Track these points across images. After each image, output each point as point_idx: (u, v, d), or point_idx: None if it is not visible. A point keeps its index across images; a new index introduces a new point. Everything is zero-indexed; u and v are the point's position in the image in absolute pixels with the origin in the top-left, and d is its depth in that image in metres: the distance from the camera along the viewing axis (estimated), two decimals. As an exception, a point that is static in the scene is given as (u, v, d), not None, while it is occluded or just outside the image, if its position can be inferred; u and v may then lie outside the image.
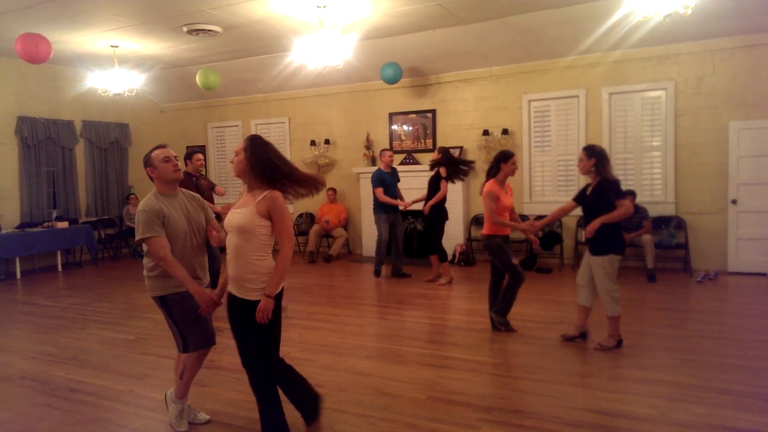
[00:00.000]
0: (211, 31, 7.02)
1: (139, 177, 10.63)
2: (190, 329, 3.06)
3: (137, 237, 2.90)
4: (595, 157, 4.22)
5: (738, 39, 6.73)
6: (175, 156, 3.05)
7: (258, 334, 2.67)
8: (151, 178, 3.01)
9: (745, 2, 6.06)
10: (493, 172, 4.85)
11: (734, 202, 6.83)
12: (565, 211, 4.57)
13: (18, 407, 3.52)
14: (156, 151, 2.99)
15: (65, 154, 9.26)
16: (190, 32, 7.05)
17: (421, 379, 3.78)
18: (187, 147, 11.06)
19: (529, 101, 8.04)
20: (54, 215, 8.88)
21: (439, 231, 6.89)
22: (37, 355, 4.57)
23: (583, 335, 4.48)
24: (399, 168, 8.17)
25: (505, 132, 8.05)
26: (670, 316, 5.16)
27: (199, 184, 5.70)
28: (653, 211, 7.13)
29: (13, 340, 5.07)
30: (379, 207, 7.23)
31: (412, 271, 7.59)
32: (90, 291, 7.03)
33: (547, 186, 8.06)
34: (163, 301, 2.99)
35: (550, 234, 7.76)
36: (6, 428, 3.23)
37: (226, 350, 4.52)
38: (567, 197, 7.89)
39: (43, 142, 8.90)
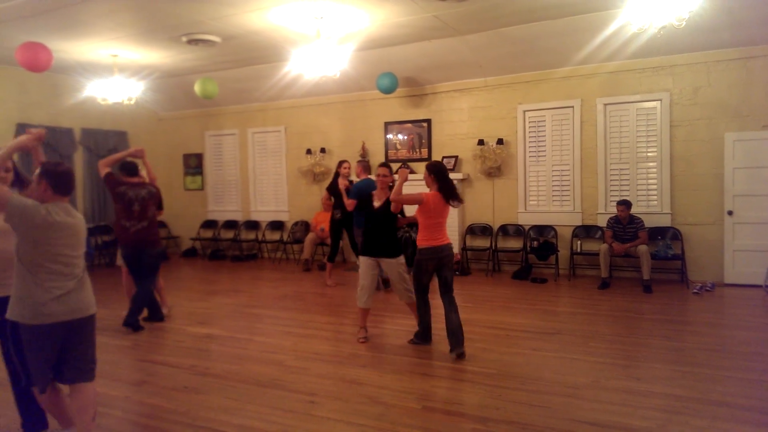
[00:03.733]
0: (210, 41, 7.07)
1: (136, 185, 10.64)
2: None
3: None
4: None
5: (732, 51, 6.80)
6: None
7: None
8: None
9: (738, 15, 6.13)
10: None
11: (730, 213, 6.86)
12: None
13: (11, 413, 3.49)
14: None
15: (64, 162, 9.25)
16: (189, 42, 7.10)
17: (415, 388, 3.77)
18: (184, 155, 11.11)
19: (525, 111, 8.08)
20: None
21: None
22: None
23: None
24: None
25: (500, 142, 8.09)
26: (666, 328, 5.17)
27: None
28: (649, 222, 7.15)
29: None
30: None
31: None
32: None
33: (542, 196, 8.09)
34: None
35: (545, 244, 7.78)
36: (-2, 436, 3.21)
37: (221, 358, 4.52)
38: (562, 207, 7.93)
39: (42, 149, 8.88)
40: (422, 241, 4.53)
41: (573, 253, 7.64)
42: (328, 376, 4.06)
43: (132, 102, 8.21)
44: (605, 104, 7.56)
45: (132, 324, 5.38)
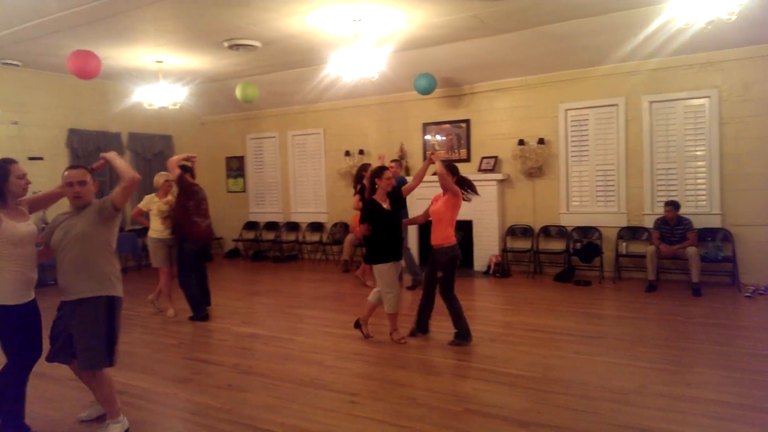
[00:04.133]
0: (251, 45, 7.22)
1: (180, 187, 10.96)
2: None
3: None
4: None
5: (787, 44, 6.49)
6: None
7: None
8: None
9: (794, 7, 5.84)
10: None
11: (785, 213, 6.55)
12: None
13: (68, 408, 3.66)
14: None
15: (112, 165, 9.62)
16: (230, 47, 7.27)
17: (456, 390, 3.75)
18: (226, 158, 11.37)
19: (566, 110, 7.93)
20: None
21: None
22: (85, 358, 4.75)
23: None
24: (433, 177, 8.27)
25: (540, 141, 7.95)
26: (716, 332, 4.97)
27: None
28: (698, 223, 6.89)
29: (62, 344, 5.28)
30: None
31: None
32: (134, 296, 7.23)
33: (586, 196, 7.91)
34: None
35: (589, 245, 7.60)
36: (57, 428, 3.37)
37: (263, 357, 4.61)
38: (607, 208, 7.74)
39: (93, 153, 9.28)
40: (452, 237, 4.69)
41: (618, 255, 7.44)
42: (368, 377, 4.09)
43: (176, 107, 8.46)
44: (651, 102, 7.33)
45: (203, 316, 5.85)
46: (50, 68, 8.36)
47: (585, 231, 7.78)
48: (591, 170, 7.84)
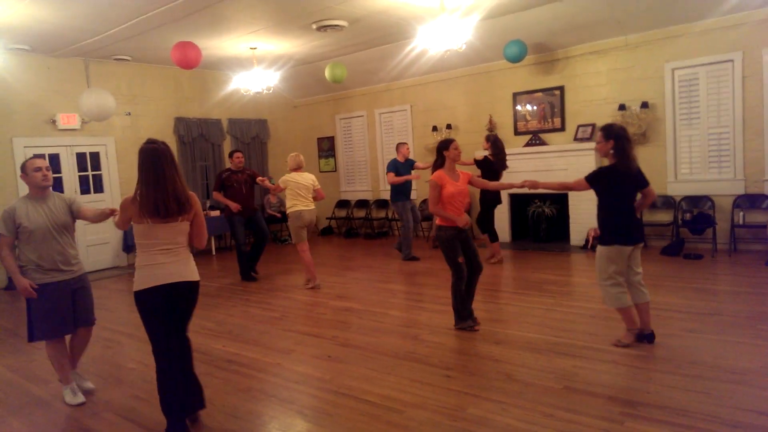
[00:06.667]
0: (338, 26, 7.31)
1: (277, 169, 11.47)
2: (39, 321, 3.46)
3: None
4: (614, 138, 3.81)
5: None
6: (47, 167, 3.51)
7: None
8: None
9: None
10: (438, 162, 4.49)
11: None
12: (566, 187, 4.30)
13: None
14: (30, 161, 3.51)
15: (214, 150, 10.27)
16: (318, 29, 7.41)
17: (555, 368, 3.65)
18: (318, 139, 11.70)
19: (673, 70, 7.27)
20: (207, 205, 9.89)
21: (490, 214, 7.24)
22: (199, 329, 5.15)
23: (646, 336, 3.96)
24: (523, 149, 8.38)
25: (644, 105, 7.38)
26: None
27: (236, 177, 6.99)
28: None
29: (178, 316, 5.77)
30: (397, 195, 7.69)
31: (538, 257, 7.34)
32: (238, 272, 7.74)
33: (696, 163, 7.27)
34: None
35: (700, 216, 7.01)
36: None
37: (360, 330, 4.75)
38: (720, 175, 7.07)
39: (196, 139, 9.95)
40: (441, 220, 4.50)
41: (734, 226, 6.80)
42: (463, 352, 4.08)
43: (270, 91, 8.81)
44: (775, 54, 6.53)
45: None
46: (156, 61, 9.01)
47: (695, 200, 7.18)
48: (702, 134, 7.17)
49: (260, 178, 6.95)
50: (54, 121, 8.20)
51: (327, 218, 11.41)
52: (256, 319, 5.36)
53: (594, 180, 3.90)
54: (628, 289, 3.94)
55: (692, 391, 3.17)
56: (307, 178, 6.33)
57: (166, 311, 2.93)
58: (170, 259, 2.92)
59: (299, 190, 6.22)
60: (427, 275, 6.87)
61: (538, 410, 3.06)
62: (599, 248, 3.95)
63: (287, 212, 6.35)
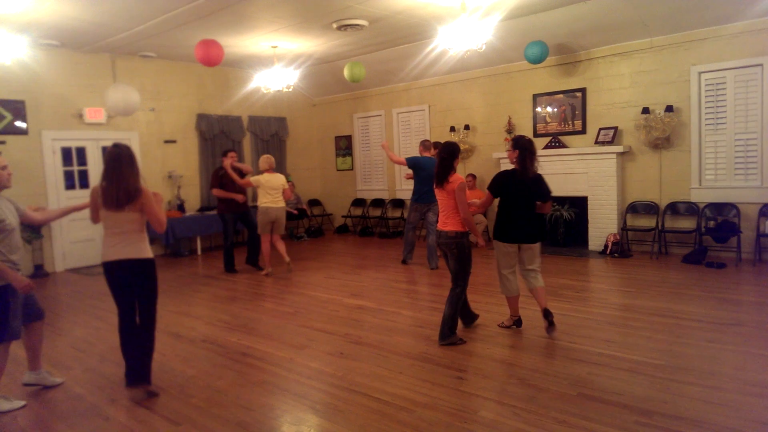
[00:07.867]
0: (359, 25, 7.31)
1: (295, 165, 11.53)
2: (13, 319, 3.36)
3: None
4: (519, 149, 4.23)
5: None
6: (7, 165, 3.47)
7: None
8: None
9: None
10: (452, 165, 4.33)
11: None
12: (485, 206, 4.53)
13: (201, 366, 4.05)
14: None
15: (235, 147, 10.35)
16: (339, 28, 7.42)
17: (569, 374, 3.59)
18: (336, 137, 11.72)
19: (699, 73, 7.11)
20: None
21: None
22: (215, 321, 5.21)
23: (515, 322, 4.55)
24: (543, 152, 8.10)
25: (669, 109, 7.23)
26: None
27: (225, 174, 7.28)
28: None
29: (195, 308, 5.84)
30: (413, 195, 7.33)
31: (555, 261, 7.23)
32: (256, 267, 7.79)
33: (721, 169, 7.10)
34: None
35: (725, 224, 6.85)
36: (193, 383, 3.74)
37: (372, 328, 4.74)
38: (747, 182, 6.90)
39: (217, 136, 10.05)
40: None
41: (759, 235, 6.63)
42: (476, 354, 4.04)
43: (290, 89, 8.85)
44: (806, 58, 6.35)
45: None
46: (180, 58, 9.12)
47: (720, 208, 7.02)
48: (729, 140, 7.01)
49: (239, 164, 7.50)
50: (81, 115, 8.35)
51: (342, 216, 11.43)
52: (271, 314, 5.39)
53: (492, 182, 4.39)
54: (523, 278, 4.42)
55: (710, 402, 3.09)
56: (278, 179, 7.01)
57: (121, 284, 3.48)
58: (118, 240, 3.44)
59: (268, 189, 6.93)
60: (440, 276, 6.82)
61: (551, 416, 3.01)
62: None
63: (258, 206, 7.02)
